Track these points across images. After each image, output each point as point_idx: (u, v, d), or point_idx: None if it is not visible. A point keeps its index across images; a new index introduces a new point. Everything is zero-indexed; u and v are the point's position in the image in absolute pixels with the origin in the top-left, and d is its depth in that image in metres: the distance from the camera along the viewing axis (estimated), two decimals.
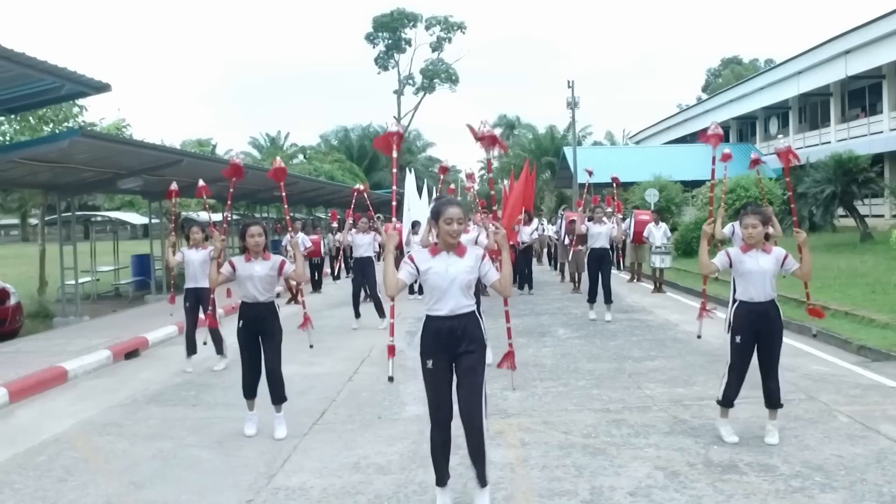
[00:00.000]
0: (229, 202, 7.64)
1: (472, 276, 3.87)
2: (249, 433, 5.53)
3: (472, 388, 3.79)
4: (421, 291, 3.96)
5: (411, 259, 3.90)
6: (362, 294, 11.17)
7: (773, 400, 5.01)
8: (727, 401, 5.07)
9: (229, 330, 7.36)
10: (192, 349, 8.06)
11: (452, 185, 18.67)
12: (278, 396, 5.56)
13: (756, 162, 8.17)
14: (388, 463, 4.79)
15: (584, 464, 4.61)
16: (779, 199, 17.55)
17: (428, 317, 3.91)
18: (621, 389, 6.50)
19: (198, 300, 8.00)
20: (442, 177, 11.17)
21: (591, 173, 13.39)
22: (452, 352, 3.84)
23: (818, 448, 4.78)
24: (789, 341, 8.45)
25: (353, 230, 11.22)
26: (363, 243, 10.94)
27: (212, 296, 7.36)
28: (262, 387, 5.52)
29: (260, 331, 5.50)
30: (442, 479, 4.00)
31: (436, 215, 3.91)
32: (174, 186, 8.79)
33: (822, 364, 7.37)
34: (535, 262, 18.05)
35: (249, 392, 5.58)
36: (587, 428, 5.37)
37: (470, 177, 10.86)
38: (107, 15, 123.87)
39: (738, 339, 4.99)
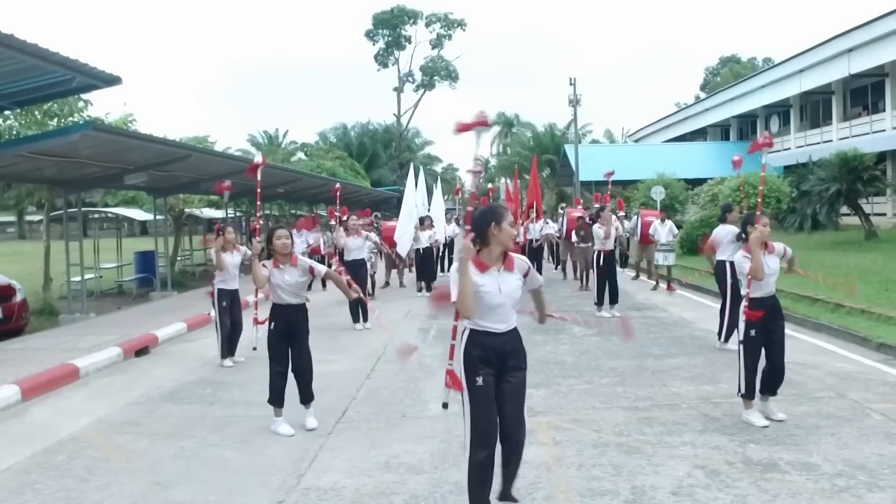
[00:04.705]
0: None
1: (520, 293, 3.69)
2: (287, 433, 5.33)
3: (520, 407, 3.68)
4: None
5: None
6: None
7: None
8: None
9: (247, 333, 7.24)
10: (230, 351, 7.98)
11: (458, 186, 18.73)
12: (306, 396, 5.52)
13: (738, 163, 8.06)
14: (419, 462, 4.68)
15: (621, 463, 4.52)
16: (787, 197, 17.49)
17: (474, 331, 3.63)
18: (647, 387, 6.41)
19: (233, 300, 8.04)
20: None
21: (610, 175, 12.98)
22: (500, 368, 3.64)
23: (857, 446, 4.69)
24: (809, 339, 8.41)
25: (344, 232, 10.73)
26: (355, 247, 10.52)
27: (255, 298, 6.93)
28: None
29: (292, 332, 5.48)
30: None
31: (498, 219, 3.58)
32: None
33: (845, 361, 7.28)
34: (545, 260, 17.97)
35: (278, 401, 5.46)
36: (618, 426, 5.28)
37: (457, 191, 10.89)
38: (112, 15, 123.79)
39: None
